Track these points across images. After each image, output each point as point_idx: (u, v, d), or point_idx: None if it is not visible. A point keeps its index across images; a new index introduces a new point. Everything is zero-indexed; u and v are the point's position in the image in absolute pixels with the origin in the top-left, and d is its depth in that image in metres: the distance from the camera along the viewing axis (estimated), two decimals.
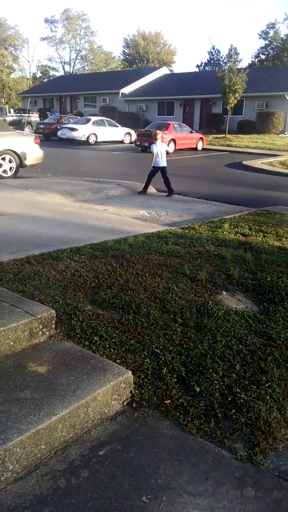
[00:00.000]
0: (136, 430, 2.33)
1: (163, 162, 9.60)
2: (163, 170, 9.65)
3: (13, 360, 2.61)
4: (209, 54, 58.15)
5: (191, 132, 24.23)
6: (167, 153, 10.16)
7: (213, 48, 56.42)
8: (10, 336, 2.67)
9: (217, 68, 30.54)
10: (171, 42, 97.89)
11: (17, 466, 1.99)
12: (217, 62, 42.50)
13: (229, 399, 2.58)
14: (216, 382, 2.70)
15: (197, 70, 55.08)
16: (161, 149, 9.60)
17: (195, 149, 23.83)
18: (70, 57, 72.33)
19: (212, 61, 54.09)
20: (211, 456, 2.19)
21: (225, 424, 2.43)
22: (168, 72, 45.89)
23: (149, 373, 2.74)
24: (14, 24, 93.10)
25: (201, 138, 24.38)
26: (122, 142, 26.46)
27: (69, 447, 2.19)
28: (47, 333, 2.92)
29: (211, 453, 2.22)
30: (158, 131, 10.04)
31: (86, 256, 4.56)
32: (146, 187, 9.82)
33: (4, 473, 1.94)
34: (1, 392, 2.28)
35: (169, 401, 2.53)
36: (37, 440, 2.06)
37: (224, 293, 4.03)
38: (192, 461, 2.15)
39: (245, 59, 73.31)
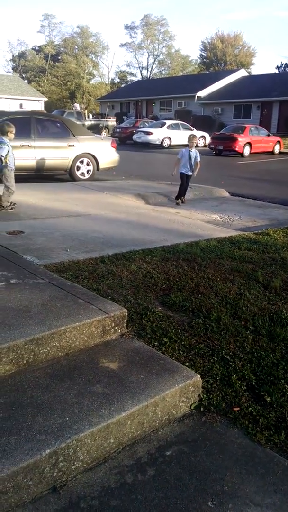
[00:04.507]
0: (203, 434, 2.32)
1: (184, 169, 8.76)
2: (184, 176, 8.79)
3: (86, 355, 2.72)
4: None
5: (268, 135, 23.58)
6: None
7: None
8: (84, 332, 2.78)
9: None
10: (251, 43, 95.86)
11: (87, 457, 2.07)
12: None
13: None
14: None
15: (277, 71, 53.45)
16: (187, 155, 8.84)
17: (272, 152, 23.17)
18: (148, 62, 73.62)
19: None
20: (280, 469, 2.13)
21: None
22: (246, 74, 45.04)
23: (218, 378, 2.71)
24: (96, 32, 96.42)
25: (279, 141, 23.64)
26: (196, 145, 26.38)
27: (137, 444, 2.24)
28: (119, 331, 3.00)
29: (281, 466, 2.15)
30: (192, 135, 9.37)
31: (158, 258, 4.61)
32: (179, 195, 8.78)
33: (75, 462, 2.02)
34: (75, 384, 2.39)
35: (238, 408, 2.49)
36: (107, 434, 2.13)
37: None
38: (260, 472, 2.10)
39: None
